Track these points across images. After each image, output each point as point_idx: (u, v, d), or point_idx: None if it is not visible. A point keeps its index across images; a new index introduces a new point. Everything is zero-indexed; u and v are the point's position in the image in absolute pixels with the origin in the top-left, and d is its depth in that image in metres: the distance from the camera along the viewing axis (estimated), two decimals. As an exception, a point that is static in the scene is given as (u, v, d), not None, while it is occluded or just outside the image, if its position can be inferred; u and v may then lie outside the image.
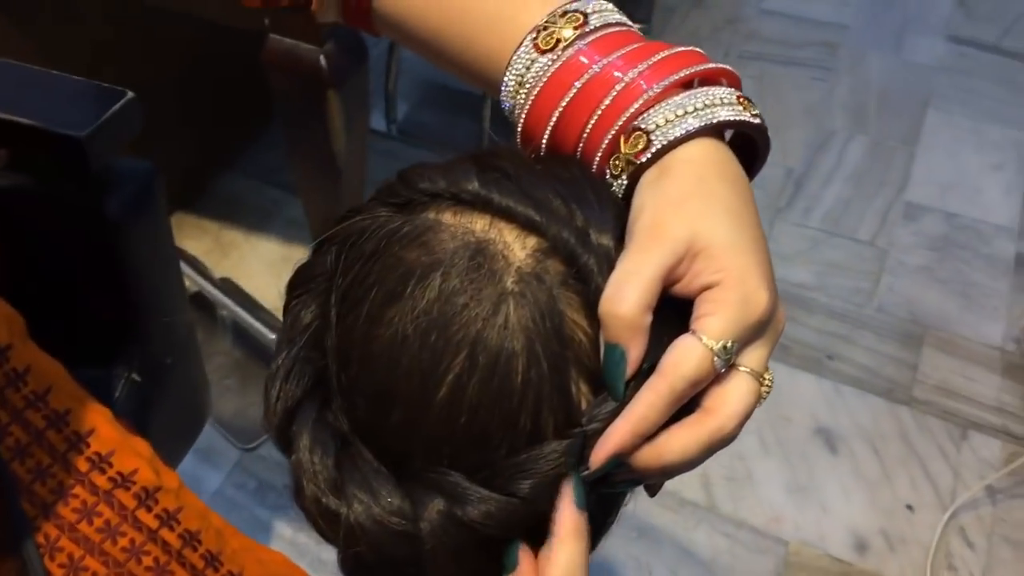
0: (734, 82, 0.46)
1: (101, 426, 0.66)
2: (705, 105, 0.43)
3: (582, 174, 0.44)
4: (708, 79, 0.45)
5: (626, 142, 0.43)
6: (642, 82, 0.44)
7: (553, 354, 0.40)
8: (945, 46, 2.40)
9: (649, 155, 0.42)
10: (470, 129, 2.01)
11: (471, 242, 0.40)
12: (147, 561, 0.65)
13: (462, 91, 2.14)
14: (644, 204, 0.42)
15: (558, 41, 0.45)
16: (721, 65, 0.45)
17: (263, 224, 1.85)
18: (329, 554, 1.45)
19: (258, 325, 1.53)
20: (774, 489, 1.51)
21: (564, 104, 0.45)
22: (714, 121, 0.42)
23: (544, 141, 0.46)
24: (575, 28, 0.45)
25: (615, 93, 0.44)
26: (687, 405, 0.41)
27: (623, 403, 0.39)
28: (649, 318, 0.39)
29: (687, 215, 0.41)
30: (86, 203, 0.75)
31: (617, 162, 0.44)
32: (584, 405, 0.41)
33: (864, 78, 2.30)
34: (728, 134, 0.45)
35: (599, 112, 0.44)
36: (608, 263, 0.41)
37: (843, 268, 1.86)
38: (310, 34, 1.09)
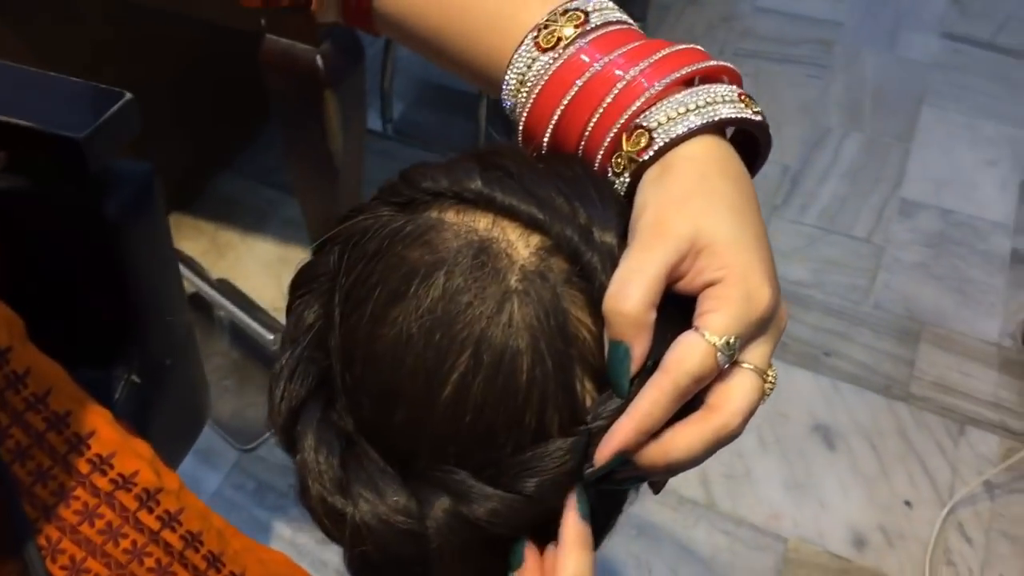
0: (735, 79, 0.46)
1: (102, 428, 0.66)
2: (707, 103, 0.43)
3: (584, 172, 0.44)
4: (709, 76, 0.45)
5: (628, 140, 0.43)
6: (643, 80, 0.44)
7: (557, 352, 0.40)
8: (939, 43, 2.40)
9: (651, 153, 0.42)
10: (466, 128, 2.01)
11: (474, 241, 0.41)
12: (149, 563, 0.65)
13: (458, 90, 2.14)
14: (647, 201, 0.42)
15: (559, 39, 0.45)
16: (722, 62, 0.45)
17: (259, 225, 1.84)
18: (330, 554, 1.45)
19: (256, 326, 1.53)
20: (773, 486, 1.51)
21: (566, 103, 0.45)
22: (716, 119, 0.43)
23: (546, 139, 0.46)
24: (576, 26, 0.45)
25: (616, 91, 0.44)
26: (691, 403, 0.41)
27: (628, 400, 0.40)
28: (653, 315, 0.39)
29: (690, 212, 0.41)
30: (85, 204, 0.75)
31: (619, 160, 0.44)
32: (589, 403, 0.41)
33: (859, 75, 2.31)
34: (729, 131, 0.45)
35: (601, 110, 0.44)
36: (611, 261, 0.41)
37: (839, 265, 1.86)
38: (307, 34, 1.09)
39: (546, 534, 0.41)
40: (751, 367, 0.41)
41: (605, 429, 0.39)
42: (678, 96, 0.43)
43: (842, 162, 2.08)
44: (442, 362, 0.39)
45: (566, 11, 0.46)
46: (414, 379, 0.40)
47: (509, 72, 0.47)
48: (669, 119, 0.42)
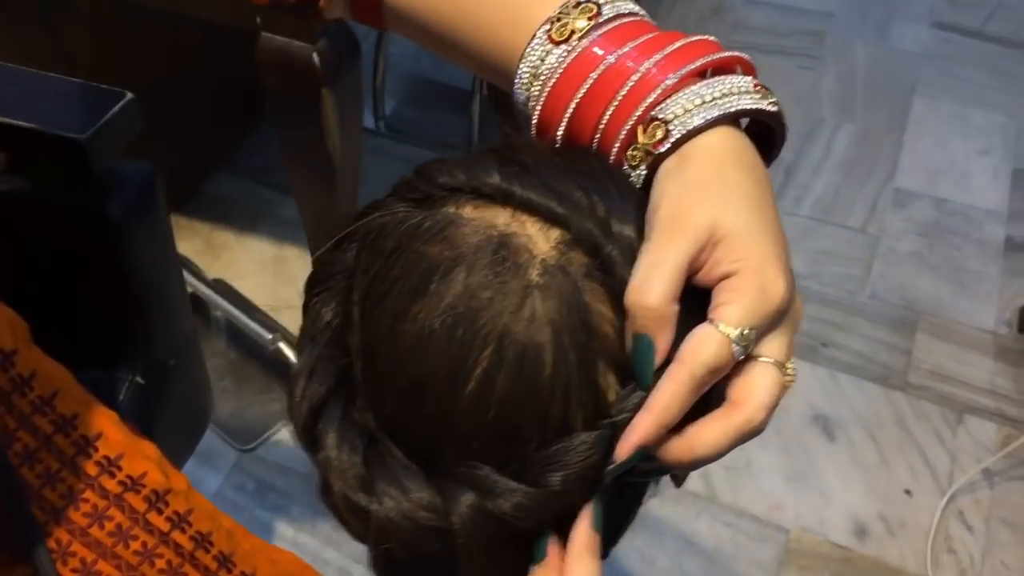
0: (748, 69, 0.46)
1: (109, 429, 0.66)
2: (723, 94, 0.43)
3: (601, 165, 0.44)
4: (723, 67, 0.45)
5: (644, 132, 0.43)
6: (658, 73, 0.44)
7: (580, 346, 0.39)
8: (929, 32, 2.41)
9: (668, 145, 0.42)
10: (458, 125, 2.01)
11: (494, 236, 0.40)
12: (160, 564, 0.65)
13: (449, 86, 2.14)
14: (664, 193, 0.42)
15: (572, 32, 0.45)
16: (736, 53, 0.45)
17: (254, 224, 1.84)
18: (332, 554, 1.45)
19: (254, 325, 1.53)
20: (773, 478, 1.52)
21: (580, 96, 0.45)
22: (732, 110, 0.43)
23: (560, 133, 0.46)
24: (589, 18, 0.45)
25: (631, 84, 0.44)
26: (708, 399, 0.41)
27: None
28: (676, 308, 0.39)
29: (708, 204, 0.41)
30: (87, 205, 0.74)
31: (635, 152, 0.44)
32: (612, 396, 0.41)
33: (850, 66, 2.31)
34: (744, 121, 0.45)
35: (615, 103, 0.44)
36: (631, 253, 0.41)
37: (835, 256, 1.87)
38: (303, 32, 1.08)
39: (571, 529, 0.41)
40: (770, 360, 0.41)
41: (629, 422, 0.39)
42: (694, 87, 0.43)
43: (835, 153, 2.09)
44: (465, 358, 0.39)
45: (578, 3, 0.46)
46: (437, 375, 0.40)
47: (522, 65, 0.46)
48: (686, 111, 0.42)
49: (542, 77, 0.46)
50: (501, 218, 0.41)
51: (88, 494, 0.64)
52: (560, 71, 0.45)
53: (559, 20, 0.46)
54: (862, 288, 1.81)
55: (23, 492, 0.60)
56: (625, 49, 0.44)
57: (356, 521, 0.41)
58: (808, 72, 2.28)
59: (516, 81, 0.47)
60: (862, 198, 1.99)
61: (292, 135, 1.23)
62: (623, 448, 0.39)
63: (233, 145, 1.95)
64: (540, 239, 0.41)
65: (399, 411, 0.42)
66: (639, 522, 0.48)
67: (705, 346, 0.39)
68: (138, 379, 0.82)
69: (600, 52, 0.45)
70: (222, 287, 1.62)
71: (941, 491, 1.50)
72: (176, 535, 0.66)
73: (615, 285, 0.40)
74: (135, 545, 0.64)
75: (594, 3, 0.46)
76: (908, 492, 1.51)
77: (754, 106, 0.43)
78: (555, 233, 0.41)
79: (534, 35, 0.46)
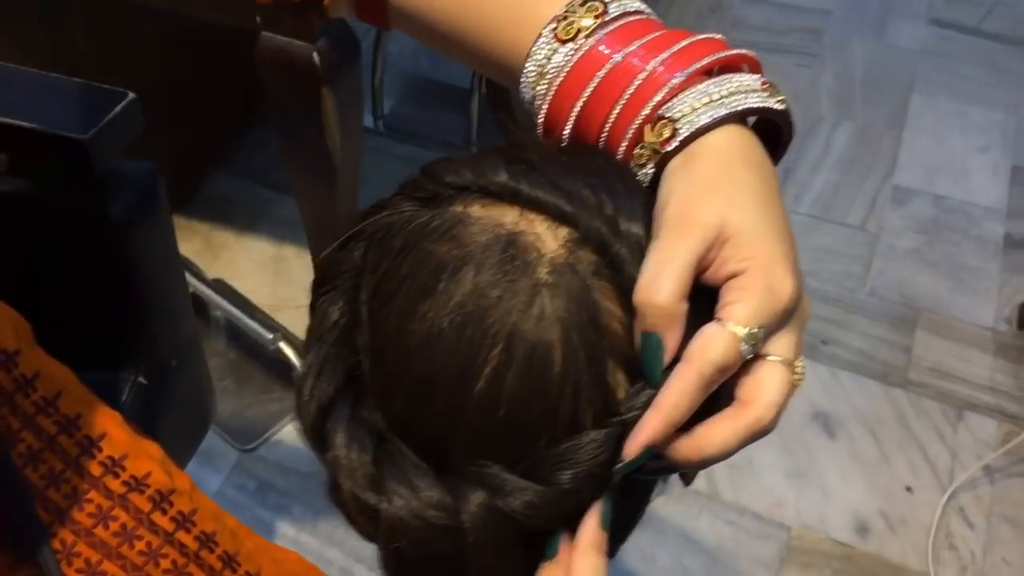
0: (755, 67, 0.46)
1: (112, 430, 0.66)
2: (731, 92, 0.43)
3: (608, 163, 0.44)
4: (729, 65, 0.45)
5: (651, 131, 0.43)
6: (665, 71, 0.44)
7: (589, 344, 0.39)
8: (927, 30, 2.41)
9: (676, 143, 0.42)
10: (457, 123, 2.00)
11: (502, 234, 0.40)
12: (165, 564, 0.65)
13: (447, 85, 2.14)
14: (672, 191, 0.42)
15: (578, 30, 0.45)
16: (742, 51, 0.45)
17: (253, 224, 1.84)
18: (334, 553, 1.44)
19: (254, 325, 1.52)
20: (775, 475, 1.52)
21: (586, 95, 0.45)
22: (740, 108, 0.43)
23: (566, 131, 0.46)
24: (595, 17, 0.45)
25: (638, 83, 0.44)
26: (717, 398, 0.41)
27: None
28: (685, 306, 0.39)
29: (715, 202, 0.41)
30: (89, 206, 0.74)
31: (642, 151, 0.44)
32: (621, 394, 0.41)
33: (848, 63, 2.31)
34: (750, 119, 0.45)
35: (622, 102, 0.44)
36: (639, 251, 0.41)
37: (834, 253, 1.87)
38: (303, 31, 1.08)
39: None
40: (778, 359, 0.41)
41: (639, 420, 0.39)
42: (701, 86, 0.43)
43: (834, 151, 2.09)
44: (474, 356, 0.39)
45: (584, 2, 0.46)
46: (446, 374, 0.40)
47: (528, 64, 0.46)
48: (693, 109, 0.42)
49: (548, 76, 0.46)
50: (509, 217, 0.41)
51: (92, 494, 0.63)
52: (567, 70, 0.45)
53: (565, 18, 0.46)
54: (862, 285, 1.81)
55: (27, 493, 0.60)
56: (631, 48, 0.44)
57: (365, 520, 0.41)
58: (806, 70, 2.28)
59: (522, 79, 0.47)
60: (861, 195, 1.99)
61: (292, 135, 1.23)
62: (631, 447, 0.39)
63: (232, 145, 1.95)
64: (548, 237, 0.41)
65: (408, 410, 0.42)
66: (641, 520, 0.48)
67: (713, 345, 0.39)
68: (141, 379, 0.82)
69: (607, 51, 0.45)
70: (221, 287, 1.62)
71: (942, 488, 1.50)
72: (181, 535, 0.66)
73: (624, 283, 0.40)
74: (140, 545, 0.64)
75: (600, 1, 0.46)
76: (909, 489, 1.51)
77: (761, 104, 0.43)
78: (563, 231, 0.41)
79: (540, 33, 0.46)
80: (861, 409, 1.61)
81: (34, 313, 0.63)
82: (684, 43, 0.44)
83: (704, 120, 0.42)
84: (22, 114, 0.71)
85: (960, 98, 2.22)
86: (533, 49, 0.46)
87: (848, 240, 1.90)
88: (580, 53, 0.45)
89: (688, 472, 0.46)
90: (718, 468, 1.50)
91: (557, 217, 0.41)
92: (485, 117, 1.91)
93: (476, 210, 0.42)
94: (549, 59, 0.46)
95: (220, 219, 1.84)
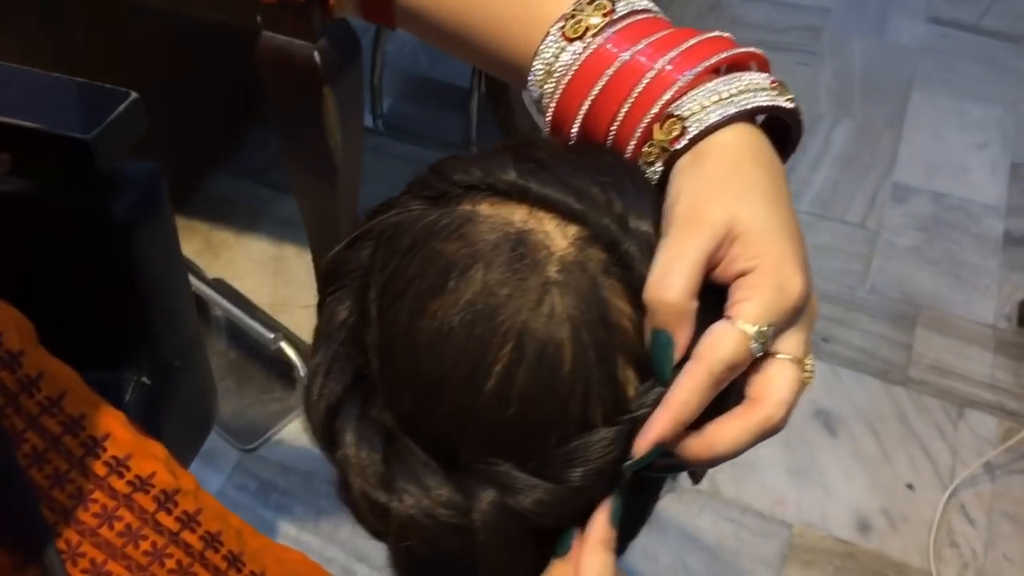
0: (763, 65, 0.46)
1: (116, 430, 0.66)
2: (740, 91, 0.43)
3: (617, 161, 0.44)
4: (737, 63, 0.45)
5: (660, 129, 0.43)
6: (673, 70, 0.44)
7: (599, 342, 0.39)
8: (926, 27, 2.41)
9: (685, 141, 0.42)
10: (456, 122, 2.00)
11: (511, 233, 0.40)
12: (170, 564, 0.65)
13: (446, 84, 2.13)
14: (681, 189, 0.42)
15: (586, 29, 0.45)
16: (751, 49, 0.45)
17: (253, 224, 1.83)
18: (335, 552, 1.44)
19: (255, 325, 1.52)
20: (776, 473, 1.52)
21: (595, 93, 0.45)
22: (750, 107, 0.43)
23: (574, 130, 0.46)
24: (603, 15, 0.45)
25: (646, 81, 0.44)
26: (727, 397, 0.41)
27: None
28: (695, 304, 0.39)
29: (725, 200, 0.41)
30: (92, 206, 0.74)
31: (651, 149, 0.44)
32: (631, 391, 0.41)
33: (848, 61, 2.31)
34: (759, 117, 0.45)
35: (631, 101, 0.44)
36: (649, 249, 0.41)
37: (834, 251, 1.87)
38: (304, 31, 1.08)
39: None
40: (788, 357, 0.41)
41: (649, 417, 0.39)
42: (711, 84, 0.43)
43: (834, 148, 2.09)
44: (484, 355, 0.39)
45: (592, 0, 0.46)
46: (456, 372, 0.40)
47: (536, 62, 0.46)
48: (703, 107, 0.42)
49: (556, 74, 0.46)
50: (518, 215, 0.41)
51: (97, 495, 0.63)
52: (575, 68, 0.45)
53: (573, 17, 0.45)
54: (862, 283, 1.81)
55: (32, 493, 0.60)
56: (640, 46, 0.44)
57: (376, 519, 0.41)
58: (805, 68, 2.28)
59: (530, 78, 0.47)
60: (861, 193, 1.99)
61: (293, 134, 1.22)
62: (641, 444, 0.39)
63: (232, 144, 1.95)
64: (557, 235, 0.41)
65: (418, 408, 0.41)
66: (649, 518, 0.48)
67: (723, 343, 0.39)
68: (144, 379, 0.82)
69: (615, 49, 0.45)
70: (222, 287, 1.62)
71: (943, 485, 1.51)
72: (186, 535, 0.66)
73: (633, 281, 0.40)
74: (145, 545, 0.64)
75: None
76: (910, 486, 1.51)
77: (771, 103, 0.43)
78: (572, 229, 0.41)
79: (548, 32, 0.46)
80: (862, 407, 1.61)
81: (37, 313, 0.63)
82: (692, 41, 0.44)
83: (713, 118, 0.42)
84: (24, 114, 0.71)
85: (959, 95, 2.22)
86: (541, 47, 0.46)
87: (848, 238, 1.90)
88: (588, 52, 0.45)
89: (697, 470, 0.46)
90: (719, 466, 1.50)
91: (566, 215, 0.41)
92: (484, 116, 1.91)
93: (485, 208, 0.42)
94: (557, 57, 0.46)
95: (220, 219, 1.83)
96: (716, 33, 0.45)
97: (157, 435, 0.68)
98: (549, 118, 0.47)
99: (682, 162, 0.43)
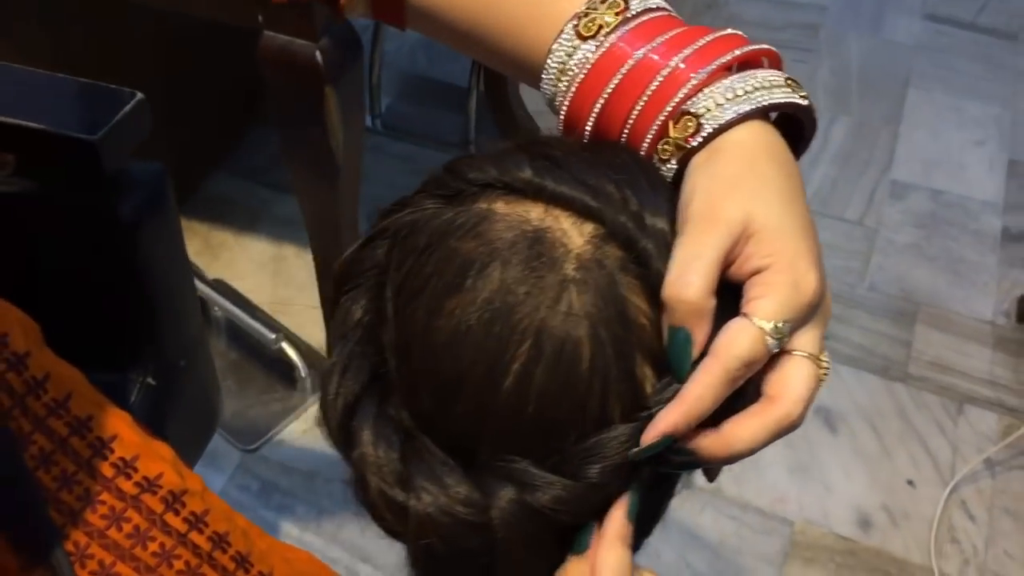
0: (775, 62, 0.46)
1: (123, 431, 0.66)
2: (755, 88, 0.43)
3: (631, 159, 0.44)
4: (750, 61, 0.45)
5: (675, 127, 0.43)
6: (687, 68, 0.44)
7: (617, 339, 0.40)
8: (923, 24, 2.42)
9: (700, 139, 0.42)
10: (455, 121, 2.00)
11: (528, 231, 0.40)
12: (178, 565, 0.65)
13: (444, 83, 2.13)
14: (696, 187, 0.42)
15: (600, 27, 0.45)
16: (763, 46, 0.45)
17: (253, 224, 1.83)
18: (338, 552, 1.44)
19: (256, 325, 1.52)
20: (777, 470, 1.52)
21: (608, 92, 0.45)
22: (764, 104, 0.43)
23: (588, 128, 0.46)
24: (616, 14, 0.45)
25: (660, 80, 0.44)
26: (743, 394, 0.41)
27: None
28: (713, 301, 0.39)
29: (740, 198, 0.41)
30: (98, 206, 0.74)
31: (666, 147, 0.44)
32: (649, 389, 0.41)
33: (844, 59, 2.32)
34: (772, 114, 0.45)
35: (645, 99, 0.44)
36: (665, 246, 0.41)
37: (833, 248, 1.87)
38: (305, 30, 1.08)
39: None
40: (804, 354, 0.41)
41: None
42: (726, 82, 0.43)
43: (831, 146, 2.09)
44: (503, 353, 0.39)
45: None
46: (474, 371, 0.40)
47: (549, 61, 0.46)
48: (718, 105, 0.42)
49: (570, 73, 0.46)
50: (534, 213, 0.41)
51: (105, 496, 0.63)
52: (588, 67, 0.45)
53: (587, 15, 0.45)
54: (861, 280, 1.82)
55: (40, 495, 0.60)
56: (653, 44, 0.44)
57: (393, 517, 0.41)
58: (802, 65, 2.28)
59: (543, 77, 0.47)
60: (859, 190, 1.99)
61: (294, 134, 1.22)
62: (648, 434, 0.39)
63: (232, 144, 1.94)
64: (574, 233, 0.41)
65: (436, 407, 0.41)
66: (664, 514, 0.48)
67: (739, 339, 0.39)
68: (149, 380, 0.82)
69: (628, 48, 0.45)
70: (222, 287, 1.62)
71: (943, 481, 1.51)
72: (194, 536, 0.66)
73: (650, 278, 0.40)
74: (153, 546, 0.64)
75: None
76: (911, 483, 1.51)
77: (786, 100, 0.43)
78: (589, 227, 0.41)
79: (561, 30, 0.46)
80: (862, 404, 1.62)
81: (43, 315, 0.63)
82: (706, 39, 0.44)
83: (728, 115, 0.42)
84: (30, 115, 0.71)
85: (956, 93, 2.23)
86: (554, 46, 0.46)
87: (847, 235, 1.90)
88: (602, 50, 0.45)
89: (713, 468, 0.46)
90: (721, 464, 1.50)
91: (582, 213, 0.41)
92: (483, 115, 1.91)
93: (500, 207, 0.42)
94: (570, 56, 0.46)
95: (220, 219, 1.83)
96: (729, 31, 0.45)
97: (162, 435, 0.68)
98: (563, 116, 0.47)
99: (697, 159, 0.43)
